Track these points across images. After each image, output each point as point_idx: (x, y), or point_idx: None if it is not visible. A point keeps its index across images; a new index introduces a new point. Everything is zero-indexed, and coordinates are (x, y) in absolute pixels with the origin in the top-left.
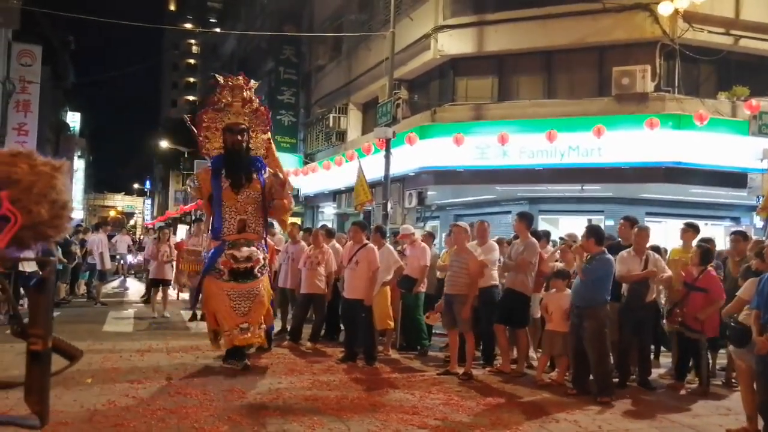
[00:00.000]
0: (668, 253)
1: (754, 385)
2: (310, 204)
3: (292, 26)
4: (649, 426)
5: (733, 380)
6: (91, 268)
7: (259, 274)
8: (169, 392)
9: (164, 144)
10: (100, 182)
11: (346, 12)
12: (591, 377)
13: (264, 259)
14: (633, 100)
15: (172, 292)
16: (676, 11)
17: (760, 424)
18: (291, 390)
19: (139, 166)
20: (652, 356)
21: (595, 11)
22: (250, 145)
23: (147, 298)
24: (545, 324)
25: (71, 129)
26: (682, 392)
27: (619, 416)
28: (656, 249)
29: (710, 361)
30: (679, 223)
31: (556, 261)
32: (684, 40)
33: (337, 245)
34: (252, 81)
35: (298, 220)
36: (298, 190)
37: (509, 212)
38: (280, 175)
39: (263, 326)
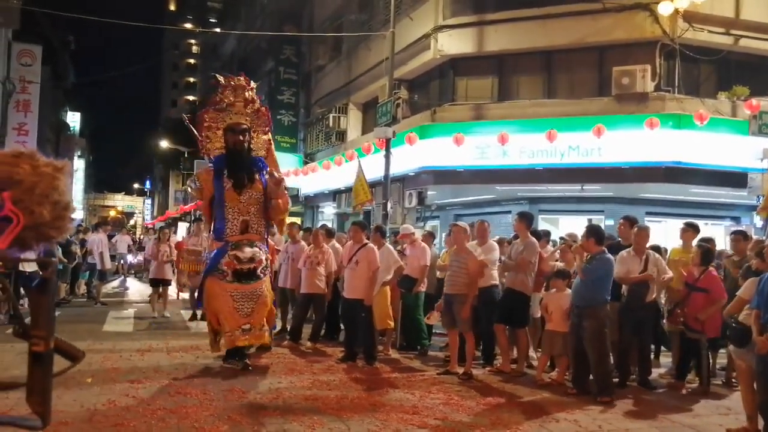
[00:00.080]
0: (668, 253)
1: (754, 385)
2: (310, 204)
3: (292, 26)
4: (649, 426)
5: (733, 380)
6: (91, 268)
7: (262, 275)
8: (169, 392)
9: (164, 144)
10: (100, 182)
11: (346, 12)
12: (591, 377)
13: (266, 259)
14: (633, 99)
15: (172, 292)
16: (676, 11)
17: (761, 423)
18: (291, 390)
19: (139, 166)
20: (652, 356)
21: (595, 11)
22: (251, 146)
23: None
24: (545, 324)
25: (71, 129)
26: (683, 392)
27: (619, 416)
28: (656, 249)
29: (710, 361)
30: (679, 223)
31: (556, 261)
32: (684, 39)
33: (337, 245)
34: (252, 82)
35: (297, 220)
36: (298, 190)
37: (509, 212)
38: (276, 175)
39: (265, 327)
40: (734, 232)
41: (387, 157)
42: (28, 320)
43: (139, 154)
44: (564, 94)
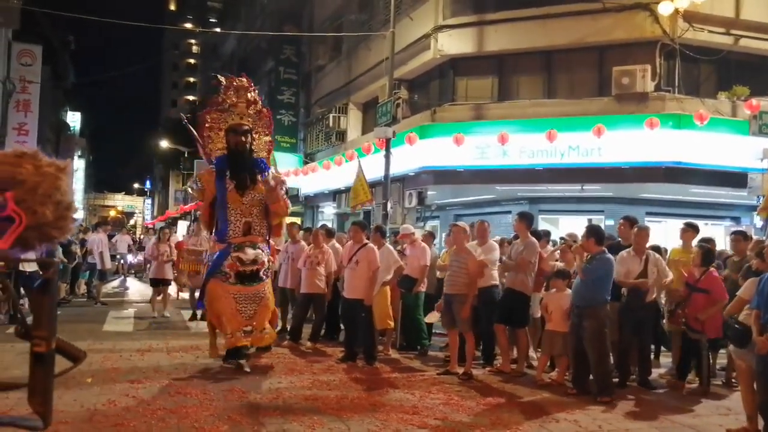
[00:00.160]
0: (668, 253)
1: (754, 385)
2: (310, 204)
3: (292, 26)
4: (650, 426)
5: (733, 380)
6: (91, 268)
7: (264, 277)
8: (169, 392)
9: (164, 144)
10: (100, 182)
11: (346, 12)
12: (591, 377)
13: (268, 261)
14: (633, 99)
15: (172, 292)
16: (676, 11)
17: (761, 423)
18: (291, 390)
19: (139, 166)
20: (652, 356)
21: (595, 11)
22: (253, 147)
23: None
24: (545, 324)
25: (71, 129)
26: (683, 392)
27: (619, 416)
28: (656, 249)
29: (711, 361)
30: (679, 223)
31: (556, 261)
32: (684, 39)
33: (337, 245)
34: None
35: (298, 220)
36: (298, 190)
37: (509, 212)
38: (271, 181)
39: (267, 329)
40: (734, 233)
41: (387, 157)
42: (29, 320)
43: (139, 154)
44: (564, 94)
